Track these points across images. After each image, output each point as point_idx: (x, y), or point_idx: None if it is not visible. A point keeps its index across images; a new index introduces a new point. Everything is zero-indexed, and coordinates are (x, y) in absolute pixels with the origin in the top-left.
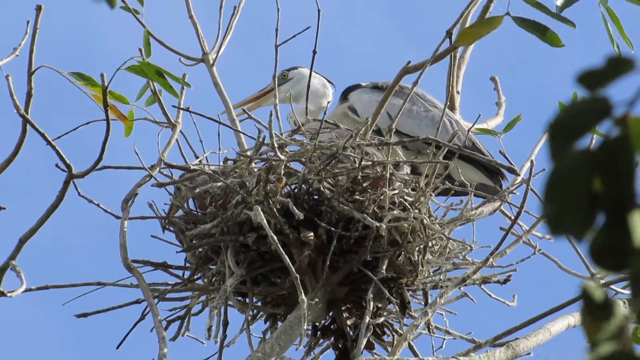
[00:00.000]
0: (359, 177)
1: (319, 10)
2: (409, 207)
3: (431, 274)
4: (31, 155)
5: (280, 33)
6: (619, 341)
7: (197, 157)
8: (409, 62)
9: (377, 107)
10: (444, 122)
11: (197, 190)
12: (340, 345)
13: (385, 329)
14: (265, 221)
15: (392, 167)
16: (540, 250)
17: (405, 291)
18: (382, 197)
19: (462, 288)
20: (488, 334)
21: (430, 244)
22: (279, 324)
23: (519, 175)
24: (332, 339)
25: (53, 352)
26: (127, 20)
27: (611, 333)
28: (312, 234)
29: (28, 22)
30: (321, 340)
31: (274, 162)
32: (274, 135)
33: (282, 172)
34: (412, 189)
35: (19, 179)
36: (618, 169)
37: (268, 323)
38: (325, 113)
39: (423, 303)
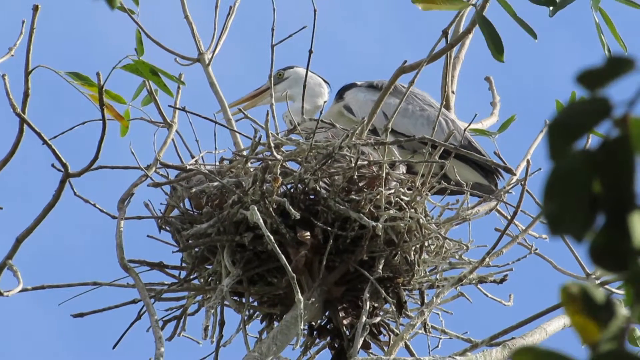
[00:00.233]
0: (355, 177)
1: (315, 10)
2: (405, 206)
3: (427, 273)
4: (28, 155)
5: (278, 33)
6: (619, 341)
7: (193, 157)
8: (405, 61)
9: (372, 106)
10: (440, 121)
11: (193, 190)
12: (336, 345)
13: (382, 329)
14: (261, 221)
15: (388, 167)
16: (536, 250)
17: (402, 291)
18: (378, 196)
19: (458, 288)
20: (484, 334)
21: (426, 244)
22: (275, 323)
23: (514, 174)
24: (329, 338)
25: (54, 351)
26: (127, 20)
27: (612, 333)
28: (308, 233)
29: (23, 22)
30: (317, 340)
31: (270, 162)
32: (270, 134)
33: (279, 171)
34: (408, 189)
35: (16, 178)
36: (618, 169)
37: (264, 323)
38: (321, 112)
39: (419, 302)
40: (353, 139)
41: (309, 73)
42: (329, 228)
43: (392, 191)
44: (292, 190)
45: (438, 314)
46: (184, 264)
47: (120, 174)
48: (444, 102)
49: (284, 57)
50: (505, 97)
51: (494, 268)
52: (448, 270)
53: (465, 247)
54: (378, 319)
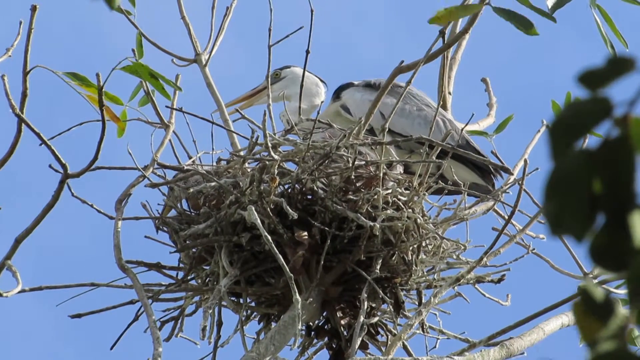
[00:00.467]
0: (353, 177)
1: (312, 10)
2: (402, 206)
3: (425, 273)
4: (27, 155)
5: (280, 33)
6: (619, 340)
7: (190, 158)
8: (402, 61)
9: (369, 106)
10: (437, 121)
11: (191, 190)
12: (334, 345)
13: (379, 329)
14: (259, 221)
15: (385, 167)
16: (533, 250)
17: (399, 291)
18: (375, 196)
19: (456, 287)
20: (482, 334)
21: (424, 244)
22: (273, 324)
23: (512, 174)
24: (326, 339)
25: (53, 351)
26: (125, 20)
27: (611, 332)
28: (305, 233)
29: (21, 22)
30: (315, 340)
31: (267, 162)
32: (267, 135)
33: (276, 171)
34: (406, 189)
35: (15, 179)
36: (618, 169)
37: (262, 323)
38: (318, 112)
39: (417, 303)
40: (350, 139)
41: (306, 73)
42: (326, 228)
43: (390, 191)
44: (289, 190)
45: (436, 314)
46: (181, 265)
47: (118, 175)
48: (441, 103)
49: (285, 57)
50: (502, 97)
51: (491, 268)
52: (445, 270)
53: (462, 247)
54: (376, 319)
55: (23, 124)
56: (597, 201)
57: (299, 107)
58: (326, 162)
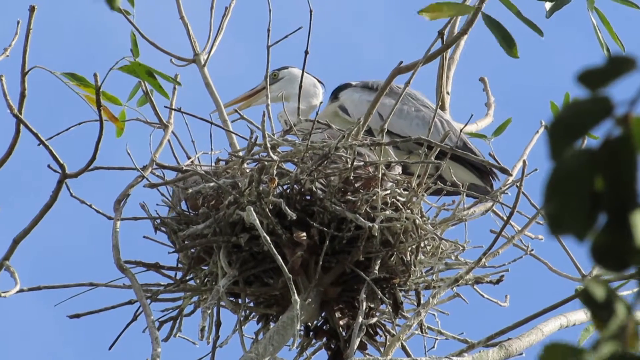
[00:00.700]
0: (351, 178)
1: (310, 11)
2: (401, 207)
3: (424, 274)
4: (25, 156)
5: (281, 33)
6: (621, 341)
7: (189, 158)
8: (401, 62)
9: (368, 106)
10: (435, 122)
11: (190, 190)
12: (333, 346)
13: (378, 329)
14: (257, 222)
15: (384, 168)
16: (532, 251)
17: (398, 291)
18: (374, 197)
19: (454, 288)
20: (480, 334)
21: (422, 244)
22: (272, 324)
23: (510, 175)
24: (325, 339)
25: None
26: (125, 20)
27: (612, 332)
28: (304, 234)
29: (18, 22)
30: (314, 341)
31: (266, 163)
32: (266, 135)
33: (275, 172)
34: (404, 189)
35: (13, 179)
36: (619, 168)
37: (261, 324)
38: (317, 113)
39: (416, 303)
40: (349, 140)
41: (304, 73)
42: (325, 229)
43: (388, 192)
44: (288, 191)
45: (434, 314)
46: (180, 265)
47: (117, 175)
48: (440, 103)
49: (285, 58)
50: (500, 97)
51: (490, 269)
52: (444, 271)
53: (461, 248)
54: (374, 319)
55: (21, 125)
56: (598, 201)
57: (298, 107)
58: (325, 162)
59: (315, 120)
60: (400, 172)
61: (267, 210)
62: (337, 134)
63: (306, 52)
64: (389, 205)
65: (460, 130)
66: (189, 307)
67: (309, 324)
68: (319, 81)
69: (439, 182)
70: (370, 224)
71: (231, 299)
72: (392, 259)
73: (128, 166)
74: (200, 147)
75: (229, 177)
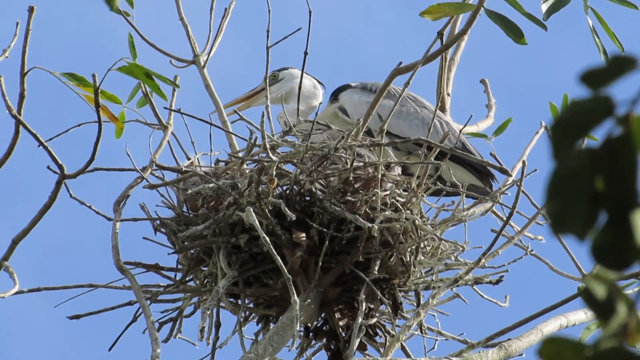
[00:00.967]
0: (351, 178)
1: (310, 12)
2: (400, 208)
3: (423, 274)
4: (24, 157)
5: (283, 33)
6: (622, 338)
7: (188, 159)
8: (400, 62)
9: (367, 107)
10: (435, 123)
11: (189, 191)
12: (332, 347)
13: (378, 330)
14: (257, 222)
15: (383, 168)
16: (531, 251)
17: (398, 292)
18: (373, 198)
19: (454, 289)
20: (480, 335)
21: (422, 245)
22: (271, 325)
23: (510, 176)
24: (325, 340)
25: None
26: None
27: (613, 330)
28: (304, 235)
29: (17, 23)
30: (313, 342)
31: (265, 164)
32: (265, 136)
33: (274, 173)
34: (404, 190)
35: (12, 180)
36: (620, 167)
37: (260, 324)
38: (316, 114)
39: (415, 304)
40: (349, 141)
41: (304, 74)
42: (324, 229)
43: (388, 192)
44: (287, 191)
45: (434, 315)
46: (179, 266)
47: (116, 176)
48: (440, 104)
49: (285, 58)
50: (501, 99)
51: (489, 269)
52: (444, 272)
53: (461, 249)
54: (374, 320)
55: (20, 125)
56: (599, 200)
57: (297, 108)
58: (324, 163)
59: (315, 121)
60: (400, 173)
61: (266, 211)
62: (336, 135)
63: (305, 53)
64: (388, 205)
65: (460, 131)
66: (188, 308)
67: (309, 324)
68: (319, 82)
69: (438, 182)
70: (370, 225)
71: (231, 299)
72: (392, 259)
73: (128, 167)
74: (200, 148)
75: (229, 178)
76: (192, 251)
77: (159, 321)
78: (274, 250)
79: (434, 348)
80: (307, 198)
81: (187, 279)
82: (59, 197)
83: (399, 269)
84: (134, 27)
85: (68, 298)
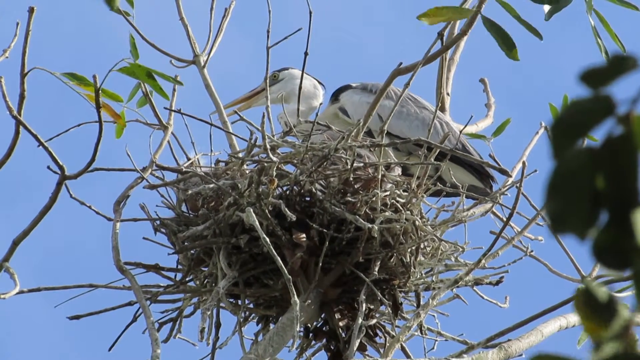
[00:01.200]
0: (351, 179)
1: (310, 12)
2: (400, 208)
3: (423, 275)
4: (25, 157)
5: (281, 34)
6: (622, 341)
7: (189, 159)
8: (401, 63)
9: (367, 108)
10: (435, 123)
11: (189, 191)
12: (332, 347)
13: (378, 331)
14: (257, 223)
15: (383, 169)
16: (531, 252)
17: (398, 293)
18: (374, 198)
19: (454, 289)
20: (480, 336)
21: (422, 246)
22: (272, 325)
23: (510, 176)
24: (325, 340)
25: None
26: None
27: (614, 332)
28: (304, 235)
29: (18, 23)
30: (313, 342)
31: (266, 164)
32: (266, 136)
33: (274, 173)
34: (404, 191)
35: (13, 180)
36: (621, 167)
37: (260, 325)
38: (317, 114)
39: (415, 304)
40: (349, 141)
41: (304, 74)
42: (324, 230)
43: (388, 193)
44: (287, 192)
45: (434, 315)
46: (179, 266)
47: (116, 176)
48: (439, 104)
49: (287, 58)
50: (500, 98)
51: (489, 270)
52: (444, 272)
53: (461, 249)
54: (374, 320)
55: (21, 126)
56: (599, 199)
57: (297, 109)
58: (325, 164)
59: (315, 122)
60: (400, 174)
61: (266, 211)
62: (336, 136)
63: (306, 54)
64: (388, 206)
65: (460, 132)
66: (188, 309)
67: (309, 325)
68: (319, 82)
69: (438, 183)
70: (370, 225)
71: (231, 300)
72: (392, 260)
73: (128, 167)
74: (200, 149)
75: (229, 178)
76: (192, 251)
77: (159, 321)
78: (274, 250)
79: (433, 349)
80: (307, 199)
81: (187, 279)
82: (59, 197)
83: (399, 269)
84: (134, 27)
85: (68, 298)
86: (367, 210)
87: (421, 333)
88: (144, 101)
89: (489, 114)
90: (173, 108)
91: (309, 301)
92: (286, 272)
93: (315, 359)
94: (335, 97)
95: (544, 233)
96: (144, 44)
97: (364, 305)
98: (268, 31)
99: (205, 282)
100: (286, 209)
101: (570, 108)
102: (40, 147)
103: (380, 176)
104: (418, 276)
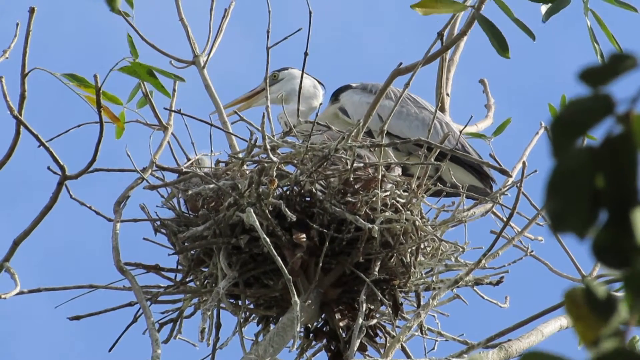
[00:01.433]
0: (351, 179)
1: (310, 12)
2: (400, 208)
3: (423, 275)
4: (25, 157)
5: (282, 34)
6: (620, 339)
7: (189, 160)
8: (400, 63)
9: (367, 108)
10: (435, 124)
11: (189, 192)
12: (332, 347)
13: (378, 331)
14: (257, 223)
15: (383, 169)
16: (531, 252)
17: (398, 293)
18: (374, 198)
19: (454, 289)
20: (480, 336)
21: (422, 246)
22: (272, 326)
23: (510, 176)
24: (325, 340)
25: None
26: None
27: (613, 330)
28: (304, 235)
29: (18, 24)
30: (314, 342)
31: (266, 164)
32: (266, 137)
33: (275, 174)
34: (404, 191)
35: (13, 181)
36: (620, 166)
37: (261, 325)
38: (317, 115)
39: (415, 305)
40: (349, 141)
41: (304, 75)
42: (325, 230)
43: (388, 193)
44: (288, 192)
45: (434, 316)
46: (180, 267)
47: (117, 177)
48: (439, 105)
49: (288, 59)
50: (500, 99)
51: (490, 270)
52: (444, 272)
53: (461, 249)
54: (374, 321)
55: (21, 126)
56: (599, 198)
57: (297, 109)
58: (325, 164)
59: (315, 122)
60: (400, 174)
61: (266, 211)
62: (337, 136)
63: (305, 54)
64: (388, 206)
65: (460, 133)
66: (189, 309)
67: (309, 325)
68: (319, 82)
69: (438, 183)
70: (370, 226)
71: (231, 300)
72: (392, 260)
73: (128, 168)
74: (200, 149)
75: (229, 178)
76: (192, 252)
77: (159, 322)
78: (274, 251)
79: (434, 349)
80: (308, 199)
81: (187, 279)
82: (60, 197)
83: (399, 269)
84: (133, 28)
85: (69, 299)
86: (367, 210)
87: (421, 333)
88: (144, 102)
89: (488, 114)
90: (173, 108)
91: (309, 301)
92: (286, 272)
93: (315, 359)
94: (335, 97)
95: (544, 233)
96: (144, 44)
97: (364, 305)
98: (268, 31)
99: (205, 282)
100: (286, 209)
101: (569, 107)
102: (41, 147)
103: (380, 176)
104: (418, 276)
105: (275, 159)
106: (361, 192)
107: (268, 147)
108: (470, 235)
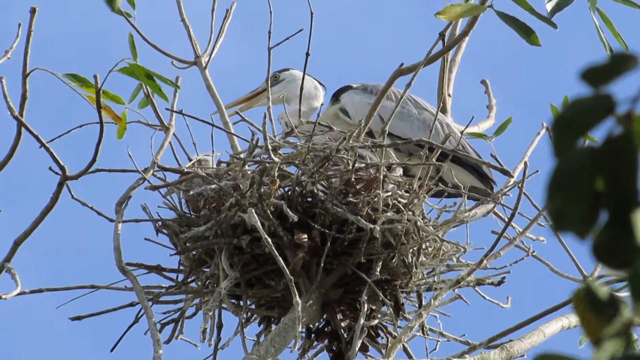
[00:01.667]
0: (353, 179)
1: (312, 13)
2: (402, 209)
3: (425, 276)
4: (26, 158)
5: (283, 34)
6: (624, 338)
7: (190, 160)
8: (402, 64)
9: (368, 109)
10: (436, 124)
11: (191, 192)
12: (334, 348)
13: (380, 331)
14: (259, 223)
15: (385, 169)
16: (533, 252)
17: (399, 293)
18: (375, 199)
19: (456, 290)
20: (482, 336)
21: (424, 246)
22: (273, 326)
23: (512, 177)
24: (326, 341)
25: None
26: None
27: (616, 330)
28: (306, 236)
29: (19, 24)
30: (315, 343)
31: (267, 165)
32: (267, 137)
33: (276, 174)
34: (406, 191)
35: (14, 181)
36: (621, 166)
37: (262, 325)
38: (318, 115)
39: (417, 305)
40: (350, 142)
41: (305, 75)
42: (326, 230)
43: (390, 194)
44: (289, 192)
45: (436, 316)
46: (181, 267)
47: (118, 177)
48: (441, 105)
49: (289, 59)
50: (502, 99)
51: (491, 270)
52: (446, 273)
53: (462, 250)
54: (376, 321)
55: (22, 127)
56: (599, 198)
57: (299, 109)
58: (326, 164)
59: (317, 122)
60: (402, 174)
61: (268, 212)
62: (338, 136)
63: (307, 54)
64: (390, 207)
65: (461, 133)
66: (190, 309)
67: (311, 325)
68: (320, 83)
69: (440, 184)
70: (372, 226)
71: (233, 301)
72: (394, 260)
73: (129, 168)
74: (202, 149)
75: (231, 179)
76: (194, 252)
77: (161, 322)
78: (275, 251)
79: (435, 349)
80: (309, 199)
81: (189, 280)
82: (60, 198)
83: (400, 270)
84: (135, 28)
85: (70, 299)
86: (368, 210)
87: (423, 333)
88: (146, 102)
89: (490, 115)
90: (174, 109)
91: (311, 302)
92: (288, 272)
93: (317, 359)
94: (335, 97)
95: (546, 233)
96: (145, 45)
97: (366, 305)
98: (269, 32)
99: (207, 282)
100: (288, 210)
101: (571, 107)
102: (42, 147)
103: (381, 177)
104: (420, 277)
105: (276, 159)
106: (363, 193)
107: (269, 147)
108: (472, 235)
